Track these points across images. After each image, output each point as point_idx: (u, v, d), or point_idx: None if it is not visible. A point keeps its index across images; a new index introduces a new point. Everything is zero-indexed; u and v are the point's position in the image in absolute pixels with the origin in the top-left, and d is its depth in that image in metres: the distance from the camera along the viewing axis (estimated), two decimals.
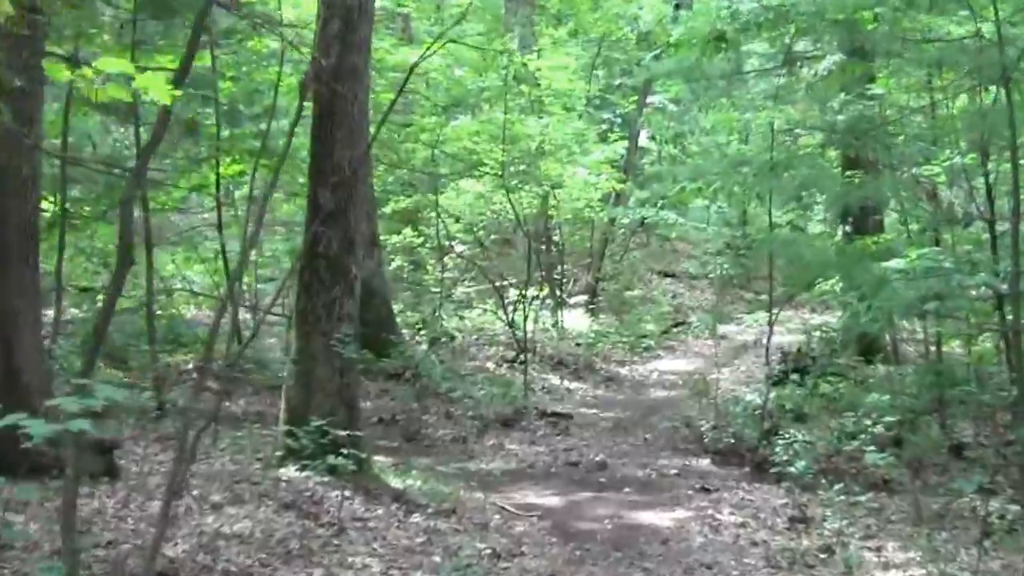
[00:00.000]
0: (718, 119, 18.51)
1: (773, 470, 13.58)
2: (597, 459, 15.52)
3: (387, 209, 23.93)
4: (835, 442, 15.11)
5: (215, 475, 12.25)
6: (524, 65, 20.35)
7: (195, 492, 11.21)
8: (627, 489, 14.07)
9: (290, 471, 12.27)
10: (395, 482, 12.92)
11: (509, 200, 20.26)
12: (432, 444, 16.46)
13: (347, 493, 11.59)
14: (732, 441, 15.80)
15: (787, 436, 13.79)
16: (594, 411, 19.21)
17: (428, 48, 14.25)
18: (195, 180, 18.70)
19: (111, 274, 20.62)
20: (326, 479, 11.95)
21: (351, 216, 12.85)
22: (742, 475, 14.92)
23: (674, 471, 14.98)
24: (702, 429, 16.34)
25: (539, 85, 23.48)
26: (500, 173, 19.86)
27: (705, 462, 15.57)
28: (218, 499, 11.10)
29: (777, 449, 13.13)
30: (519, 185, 21.20)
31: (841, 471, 14.58)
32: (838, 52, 17.03)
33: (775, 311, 16.79)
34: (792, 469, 12.56)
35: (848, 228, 22.11)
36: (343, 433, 11.97)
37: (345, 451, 11.71)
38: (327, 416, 12.53)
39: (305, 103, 12.52)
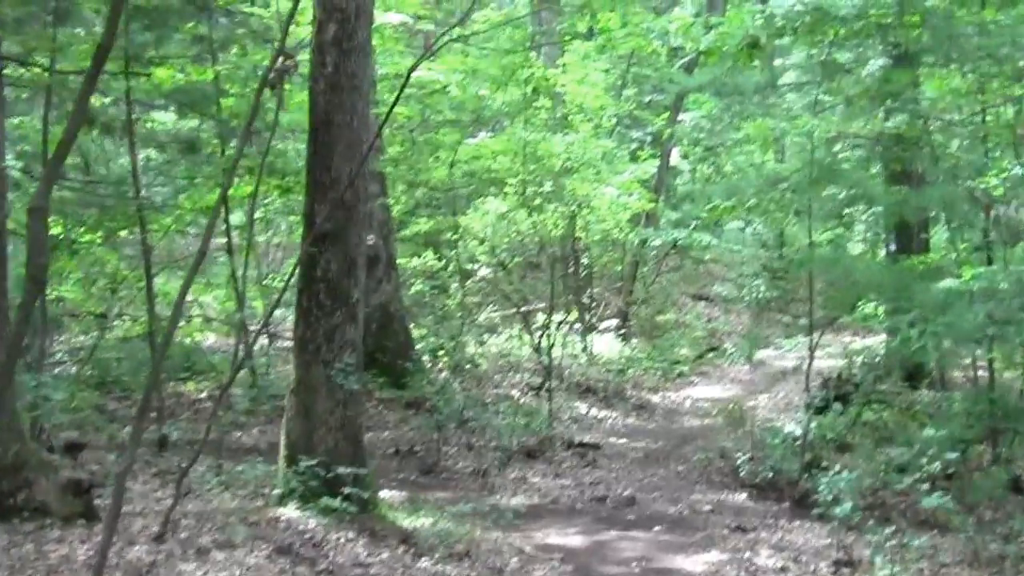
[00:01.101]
0: (752, 129, 17.25)
1: (816, 511, 12.44)
2: (626, 494, 14.47)
3: (408, 231, 22.92)
4: (882, 475, 13.97)
5: (209, 514, 11.25)
6: (546, 79, 19.23)
7: (183, 534, 10.22)
8: (657, 527, 13.03)
9: (290, 510, 11.28)
10: (404, 521, 11.88)
11: (530, 219, 19.16)
12: (451, 477, 15.45)
13: (349, 535, 10.66)
14: (770, 474, 14.68)
15: (829, 470, 12.63)
16: (624, 441, 18.14)
17: (436, 42, 13.22)
18: (201, 201, 17.68)
19: (115, 300, 20.16)
20: (328, 519, 10.94)
21: (352, 235, 11.86)
22: (781, 511, 13.87)
23: (708, 507, 13.92)
24: (738, 461, 15.18)
25: (564, 101, 22.48)
26: (521, 192, 18.77)
27: (741, 497, 14.50)
28: (206, 542, 10.09)
29: (820, 487, 11.96)
30: (543, 205, 20.10)
31: (889, 507, 13.58)
32: (882, 57, 15.92)
33: (816, 335, 15.60)
34: (836, 511, 11.40)
35: (892, 247, 21.04)
36: (346, 470, 11.00)
37: (347, 490, 10.72)
38: (329, 451, 11.62)
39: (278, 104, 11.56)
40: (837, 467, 14.22)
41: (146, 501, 12.14)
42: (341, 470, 11.06)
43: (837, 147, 17.99)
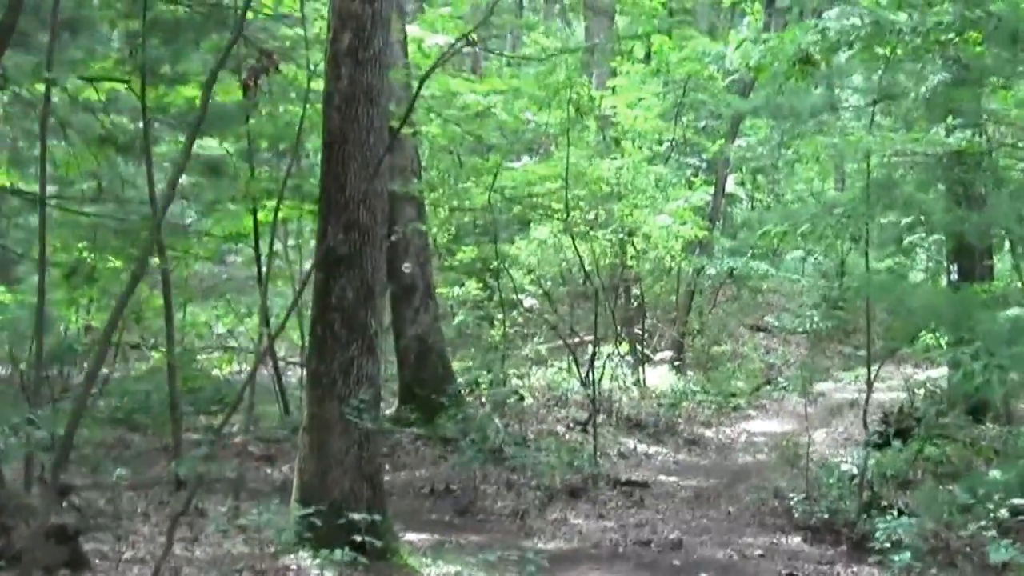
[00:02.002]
0: (806, 147, 16.15)
1: (874, 557, 11.38)
2: (672, 536, 13.45)
3: (453, 260, 22.05)
4: (946, 516, 12.86)
5: (217, 561, 10.42)
6: (591, 99, 18.30)
7: None
8: (703, 575, 11.96)
9: (301, 558, 10.38)
10: (425, 570, 11.02)
11: (575, 246, 18.17)
12: (487, 519, 14.50)
13: None
14: (826, 515, 13.57)
15: (889, 516, 11.58)
16: (673, 479, 17.08)
17: (458, 39, 12.39)
18: (230, 227, 16.87)
19: (140, 329, 19.42)
20: (340, 569, 10.02)
21: (369, 260, 10.99)
22: (837, 556, 12.84)
23: (759, 552, 12.88)
24: (792, 502, 14.08)
25: (614, 124, 21.60)
26: (564, 217, 17.79)
27: (795, 540, 13.44)
28: None
29: (878, 533, 10.90)
30: (589, 231, 19.14)
31: (954, 551, 12.43)
32: (941, 72, 14.85)
33: (875, 368, 14.51)
34: (896, 559, 10.33)
35: (955, 276, 19.87)
36: (360, 516, 10.09)
37: (358, 538, 9.83)
38: (344, 494, 10.80)
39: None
40: (897, 508, 13.28)
41: (152, 545, 11.28)
42: (355, 516, 10.10)
43: (897, 171, 16.88)
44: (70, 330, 19.21)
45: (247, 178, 15.97)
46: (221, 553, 10.87)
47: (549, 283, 21.69)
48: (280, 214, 16.04)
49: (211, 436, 11.63)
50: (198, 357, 19.64)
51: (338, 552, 9.90)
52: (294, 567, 10.15)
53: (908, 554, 10.29)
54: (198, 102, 15.33)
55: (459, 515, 14.58)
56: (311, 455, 10.95)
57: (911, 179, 15.75)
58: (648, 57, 27.36)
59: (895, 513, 13.32)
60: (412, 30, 20.06)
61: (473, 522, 14.33)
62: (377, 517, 10.50)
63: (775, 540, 13.45)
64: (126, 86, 14.89)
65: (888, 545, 10.69)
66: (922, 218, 15.06)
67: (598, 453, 17.23)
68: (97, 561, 10.22)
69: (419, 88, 11.50)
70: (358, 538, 10.03)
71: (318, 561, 10.14)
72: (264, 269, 15.80)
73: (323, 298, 11.01)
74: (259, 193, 15.86)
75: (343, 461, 10.80)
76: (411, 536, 13.22)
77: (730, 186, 29.71)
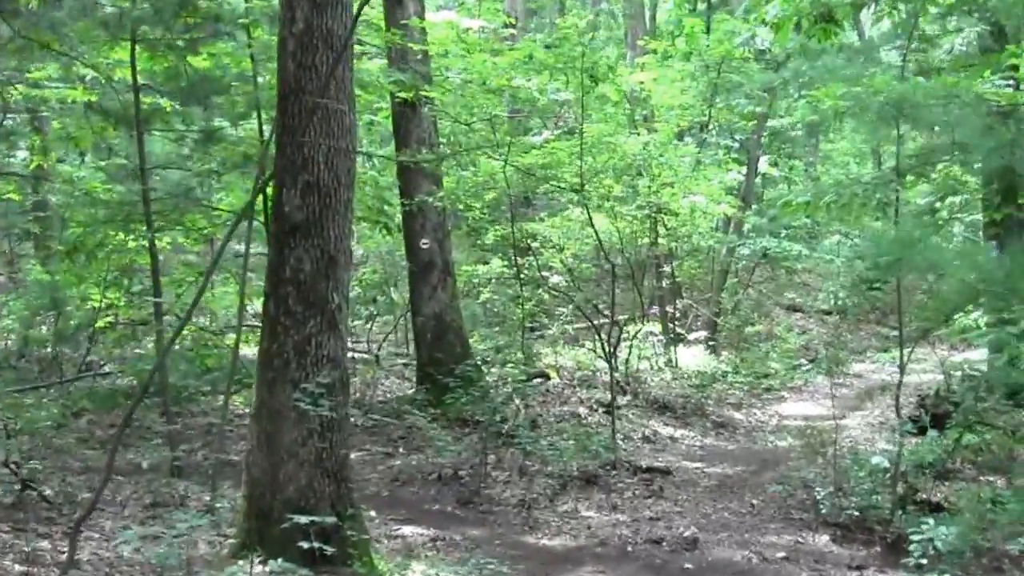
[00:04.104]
0: (826, 96, 13.59)
1: (911, 560, 9.15)
2: (687, 534, 11.23)
3: (484, 239, 19.91)
4: (989, 515, 10.61)
5: (157, 566, 8.35)
6: (610, 68, 16.05)
7: None
8: None
9: (250, 566, 8.28)
10: None
11: (590, 220, 15.88)
12: (490, 509, 12.37)
13: None
14: (857, 512, 11.31)
15: (926, 520, 9.37)
16: (698, 465, 14.88)
17: None
18: (237, 201, 14.85)
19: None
20: None
21: (330, 227, 8.89)
22: (870, 558, 10.68)
23: (781, 553, 10.69)
24: (819, 496, 11.81)
25: (642, 100, 19.39)
26: (579, 189, 15.52)
27: (823, 539, 11.22)
28: None
29: (912, 546, 8.68)
30: (612, 207, 16.92)
31: (1000, 554, 10.15)
32: (978, 26, 12.49)
33: (908, 349, 12.18)
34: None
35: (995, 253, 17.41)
36: (307, 521, 7.99)
37: (304, 545, 7.74)
38: (301, 490, 8.67)
39: None
40: (936, 504, 11.12)
41: (104, 546, 9.32)
42: (302, 519, 7.99)
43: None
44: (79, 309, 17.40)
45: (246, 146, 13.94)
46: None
47: (572, 260, 19.40)
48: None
49: (120, 426, 9.41)
50: (215, 335, 17.63)
51: (284, 562, 7.83)
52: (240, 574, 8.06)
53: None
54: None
55: (462, 505, 12.49)
56: (260, 447, 8.88)
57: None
58: (688, 56, 25.02)
59: (933, 511, 11.19)
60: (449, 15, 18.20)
61: (476, 513, 12.24)
62: (331, 520, 8.37)
63: (800, 539, 11.23)
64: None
65: (924, 561, 8.46)
66: (956, 151, 12.48)
67: (620, 437, 15.11)
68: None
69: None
70: (303, 545, 7.91)
71: (270, 568, 8.06)
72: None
73: (277, 270, 8.94)
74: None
75: (297, 454, 8.71)
76: (406, 530, 11.25)
77: (763, 167, 27.41)
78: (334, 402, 8.85)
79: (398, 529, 11.28)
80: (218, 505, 10.50)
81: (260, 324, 9.57)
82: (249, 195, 13.35)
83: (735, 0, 29.25)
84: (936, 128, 11.50)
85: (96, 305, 16.89)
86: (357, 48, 18.94)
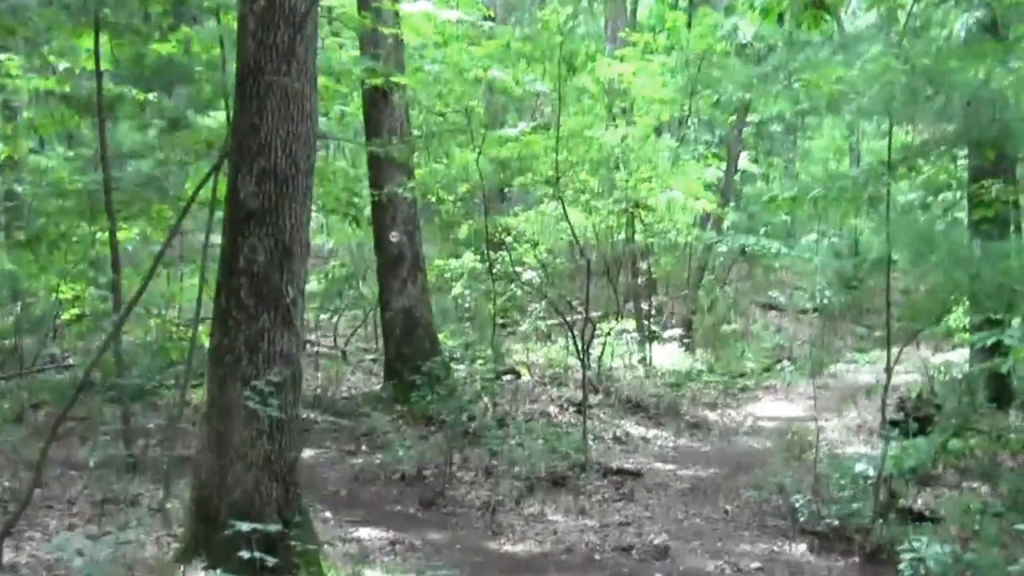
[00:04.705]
0: (817, 80, 12.86)
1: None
2: (657, 541, 10.56)
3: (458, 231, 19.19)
4: (975, 525, 9.96)
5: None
6: (588, 56, 15.34)
7: None
8: None
9: (193, 570, 7.57)
10: None
11: (565, 214, 15.09)
12: (454, 512, 11.68)
13: None
14: (836, 521, 10.60)
15: (909, 514, 8.73)
16: (670, 467, 14.19)
17: None
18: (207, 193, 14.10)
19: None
20: None
21: (287, 216, 8.15)
22: (848, 569, 10.05)
23: (756, 564, 10.02)
24: (797, 503, 11.10)
25: (621, 92, 18.68)
26: (554, 181, 14.77)
27: (800, 548, 10.55)
28: None
29: (903, 566, 8.00)
30: (588, 201, 16.21)
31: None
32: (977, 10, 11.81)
33: (895, 350, 11.46)
34: None
35: (977, 250, 16.73)
36: (249, 528, 7.25)
37: (245, 555, 7.02)
38: (248, 495, 7.95)
39: None
40: (919, 513, 10.47)
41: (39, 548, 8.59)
42: (244, 527, 7.26)
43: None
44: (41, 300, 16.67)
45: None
46: (106, 559, 8.06)
47: (546, 255, 18.66)
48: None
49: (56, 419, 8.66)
50: (180, 327, 16.85)
51: (224, 573, 7.10)
52: None
53: None
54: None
55: (424, 507, 11.81)
56: (210, 447, 8.16)
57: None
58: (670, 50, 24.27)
59: (915, 520, 10.57)
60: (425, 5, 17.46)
61: (438, 516, 11.56)
62: (276, 527, 7.63)
63: (776, 548, 10.56)
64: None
65: None
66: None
67: (591, 437, 14.42)
68: None
69: None
70: (244, 555, 7.18)
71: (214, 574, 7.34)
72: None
73: (230, 260, 8.20)
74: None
75: (246, 455, 7.99)
76: (363, 532, 10.58)
77: (743, 163, 26.74)
78: (285, 401, 8.14)
79: (355, 531, 10.61)
80: (169, 505, 9.89)
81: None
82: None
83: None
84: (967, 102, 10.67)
85: (58, 297, 16.16)
86: (331, 39, 18.36)
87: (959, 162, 16.37)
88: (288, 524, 8.00)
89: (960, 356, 18.23)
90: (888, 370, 11.10)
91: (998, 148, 12.81)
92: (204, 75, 13.31)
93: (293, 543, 7.82)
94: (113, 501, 10.40)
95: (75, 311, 16.72)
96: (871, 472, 10.64)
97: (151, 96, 13.28)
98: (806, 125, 28.95)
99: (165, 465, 10.55)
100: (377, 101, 15.91)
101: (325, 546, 9.70)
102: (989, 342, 11.38)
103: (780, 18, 15.84)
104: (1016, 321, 11.02)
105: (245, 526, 7.26)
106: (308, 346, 17.62)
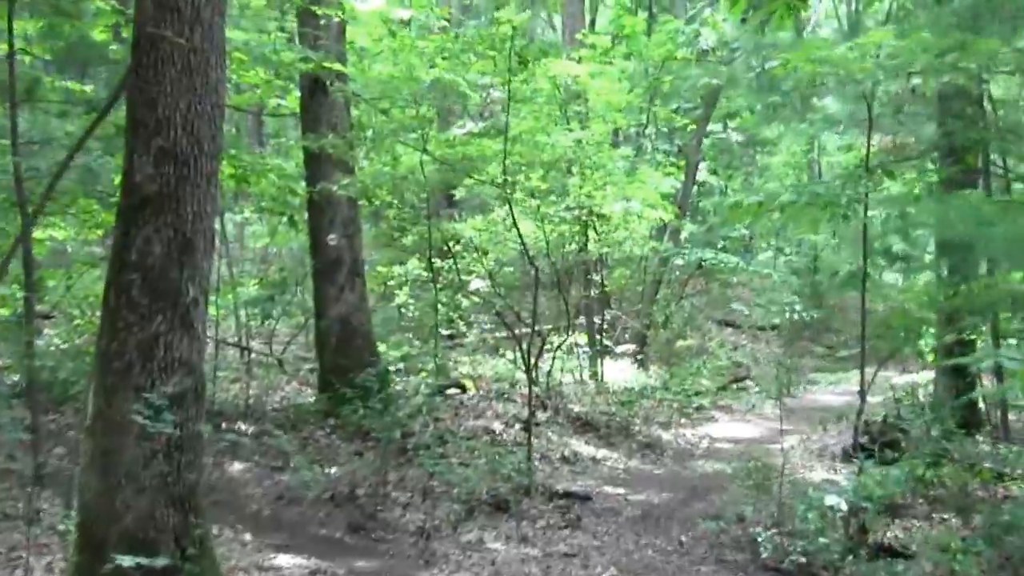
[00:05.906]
0: (789, 63, 11.85)
1: None
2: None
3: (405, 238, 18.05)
4: (954, 564, 8.99)
5: None
6: (541, 51, 14.25)
7: None
8: None
9: None
10: None
11: (513, 219, 13.94)
12: (384, 537, 10.55)
13: None
14: (801, 558, 9.56)
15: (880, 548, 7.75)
16: (621, 491, 13.11)
17: None
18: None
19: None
20: None
21: (188, 202, 7.05)
22: None
23: None
24: (759, 538, 10.04)
25: (578, 96, 17.69)
26: (501, 182, 13.66)
27: None
28: None
29: None
30: (539, 207, 15.16)
31: None
32: None
33: (869, 373, 10.45)
34: None
35: (943, 272, 15.74)
36: (132, 564, 6.13)
37: None
38: (142, 522, 6.82)
39: None
40: (887, 549, 9.50)
41: None
42: (127, 561, 6.13)
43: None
44: None
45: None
46: None
47: (494, 265, 17.58)
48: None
49: None
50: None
51: None
52: None
53: None
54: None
55: (353, 531, 10.69)
56: (93, 467, 7.02)
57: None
58: (629, 57, 23.32)
59: (886, 555, 9.59)
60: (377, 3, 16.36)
61: (367, 541, 10.44)
62: (167, 562, 6.50)
63: None
64: None
65: None
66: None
67: (537, 457, 13.35)
68: None
69: None
70: None
71: None
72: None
73: (120, 253, 7.09)
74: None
75: (138, 477, 6.87)
76: (283, 559, 9.48)
77: (702, 175, 25.84)
78: (185, 416, 7.01)
79: (273, 558, 9.50)
80: (69, 526, 8.73)
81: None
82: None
83: (678, 8, 27.81)
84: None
85: None
86: (280, 32, 17.27)
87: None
88: (185, 557, 6.90)
89: (925, 378, 17.34)
90: (862, 393, 10.12)
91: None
92: (119, 54, 12.12)
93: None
94: (12, 517, 9.32)
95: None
96: (843, 506, 9.59)
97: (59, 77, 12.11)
98: (766, 140, 28.09)
99: (71, 478, 9.45)
100: (316, 95, 14.79)
101: (239, 574, 8.64)
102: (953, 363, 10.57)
103: (743, 19, 14.96)
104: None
105: (127, 560, 6.15)
106: (244, 353, 16.48)
